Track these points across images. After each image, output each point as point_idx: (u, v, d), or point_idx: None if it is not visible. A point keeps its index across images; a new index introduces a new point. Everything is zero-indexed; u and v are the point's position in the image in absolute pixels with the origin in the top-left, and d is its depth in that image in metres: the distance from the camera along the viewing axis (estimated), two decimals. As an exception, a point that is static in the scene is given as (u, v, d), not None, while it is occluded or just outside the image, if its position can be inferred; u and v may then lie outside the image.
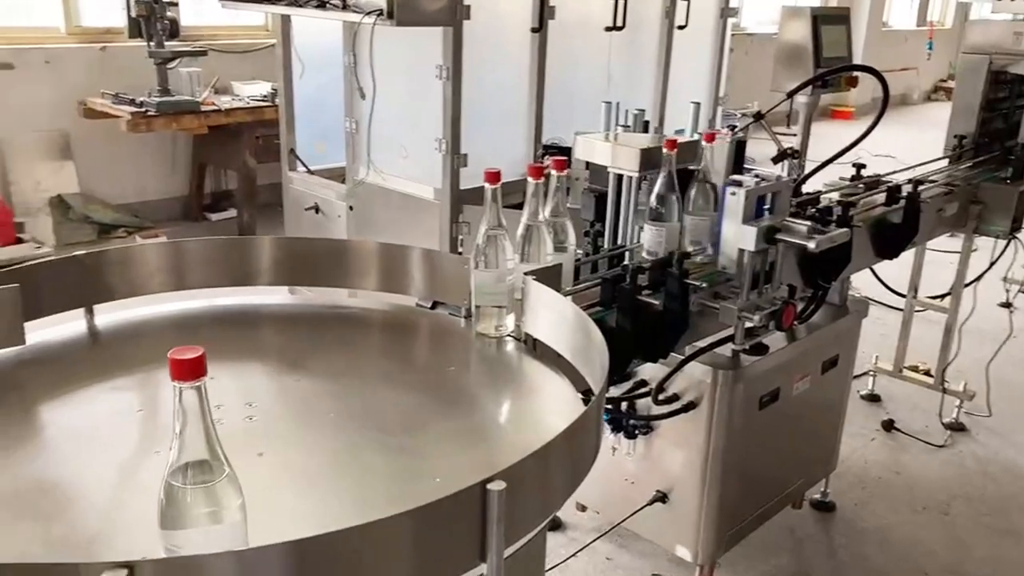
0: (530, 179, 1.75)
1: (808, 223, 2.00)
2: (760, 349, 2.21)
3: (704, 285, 1.91)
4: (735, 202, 1.97)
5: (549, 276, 1.64)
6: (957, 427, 3.50)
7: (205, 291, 1.68)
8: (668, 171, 1.97)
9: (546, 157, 2.57)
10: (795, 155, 2.30)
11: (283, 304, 1.78)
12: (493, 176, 1.55)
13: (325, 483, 1.16)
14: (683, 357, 2.13)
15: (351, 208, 3.86)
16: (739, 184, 1.98)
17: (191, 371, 0.89)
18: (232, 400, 1.32)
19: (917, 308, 3.71)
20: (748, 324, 2.00)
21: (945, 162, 3.47)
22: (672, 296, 1.83)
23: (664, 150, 1.97)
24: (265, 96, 5.50)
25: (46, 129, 5.33)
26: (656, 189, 1.97)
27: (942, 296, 3.75)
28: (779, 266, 2.08)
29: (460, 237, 3.49)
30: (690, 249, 2.01)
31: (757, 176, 2.05)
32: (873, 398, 3.71)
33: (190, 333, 1.60)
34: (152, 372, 1.43)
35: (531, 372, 1.52)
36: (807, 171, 2.57)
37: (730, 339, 2.10)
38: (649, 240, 1.99)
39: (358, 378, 1.47)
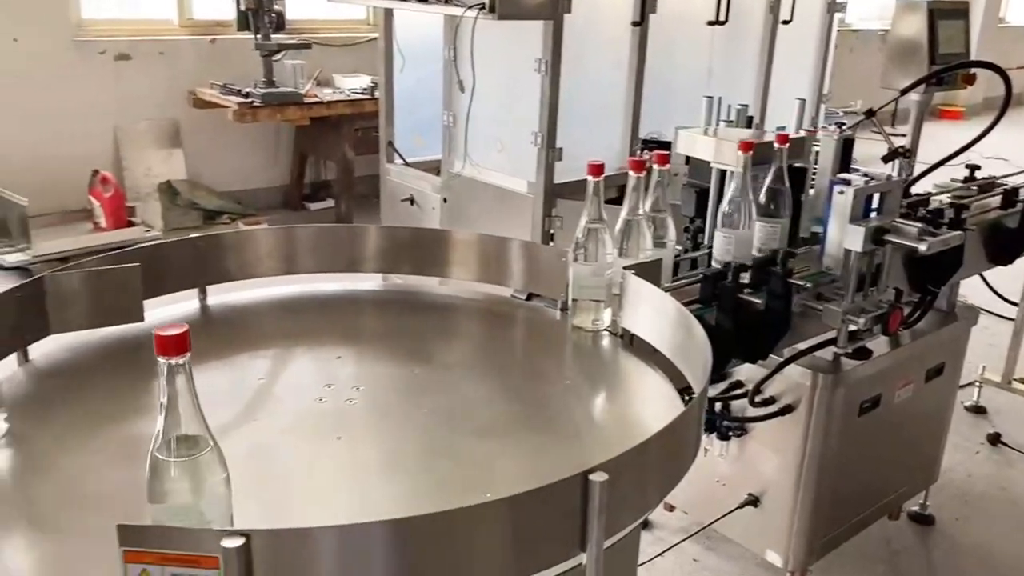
0: (631, 173, 1.74)
1: (919, 224, 1.93)
2: (863, 353, 2.14)
3: (808, 285, 1.86)
4: (843, 201, 1.91)
5: (649, 271, 1.63)
6: (1071, 444, 3.32)
7: (305, 276, 1.74)
8: (779, 166, 1.93)
9: (645, 151, 2.55)
10: (907, 154, 2.21)
11: (383, 290, 1.82)
12: (596, 169, 1.55)
13: (418, 470, 1.19)
14: (782, 359, 2.08)
15: (445, 200, 3.91)
16: (847, 183, 1.92)
17: (176, 347, 0.89)
18: (340, 382, 1.36)
19: (1029, 318, 3.54)
20: (852, 327, 1.94)
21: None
22: (775, 295, 1.79)
23: (775, 144, 1.93)
24: (365, 89, 5.61)
25: (158, 118, 5.57)
26: (767, 184, 1.93)
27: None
28: (886, 268, 2.02)
29: (552, 231, 3.49)
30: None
31: (866, 175, 1.99)
32: (979, 410, 3.55)
33: (295, 316, 1.65)
34: (261, 351, 1.48)
35: (628, 368, 1.52)
36: (918, 171, 2.47)
37: (831, 342, 2.04)
38: (762, 238, 1.96)
39: (454, 366, 1.50)
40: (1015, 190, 2.66)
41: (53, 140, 5.13)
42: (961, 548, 2.75)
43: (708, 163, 2.09)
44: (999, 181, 2.80)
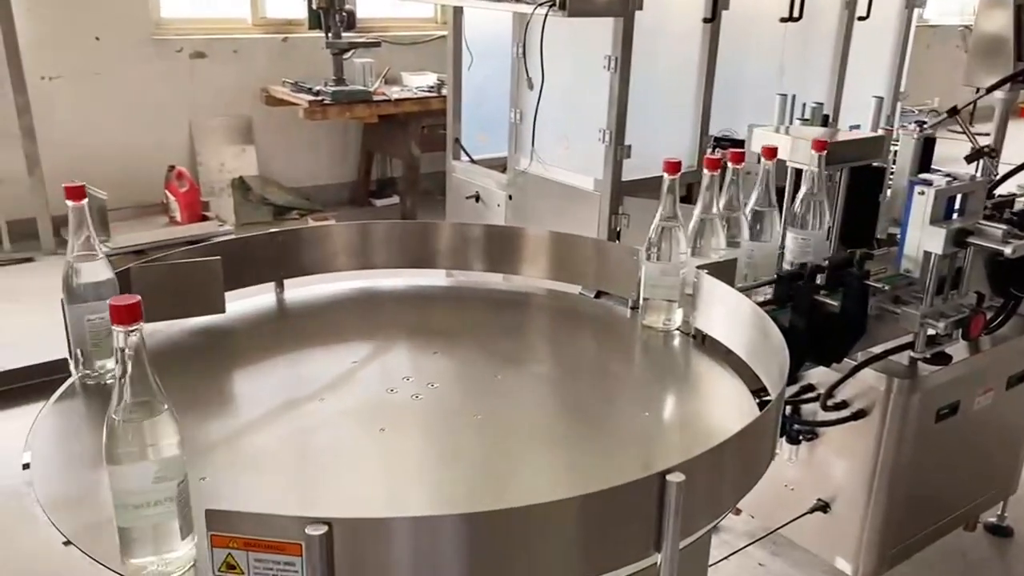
0: (706, 171, 1.72)
1: (1004, 227, 1.87)
2: (942, 358, 2.08)
3: (886, 288, 1.82)
4: (923, 202, 1.86)
5: (723, 271, 1.61)
6: None
7: (370, 272, 1.76)
8: (764, 185, 1.90)
9: (717, 149, 2.52)
10: (992, 154, 2.14)
11: (455, 286, 1.83)
12: (673, 166, 1.54)
13: (486, 467, 1.20)
14: (857, 363, 2.04)
15: (510, 197, 3.92)
16: (928, 183, 1.87)
17: (129, 316, 0.93)
18: (408, 375, 1.37)
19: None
20: (931, 331, 1.89)
21: None
22: (851, 297, 1.76)
23: (762, 158, 1.88)
24: (432, 87, 5.65)
25: (231, 114, 5.70)
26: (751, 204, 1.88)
27: None
28: (967, 272, 1.96)
29: (619, 229, 3.47)
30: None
31: (948, 175, 1.93)
32: (1061, 420, 3.41)
33: (367, 311, 1.68)
34: (335, 345, 1.51)
35: (701, 368, 1.50)
36: (1002, 172, 2.39)
37: (908, 346, 1.99)
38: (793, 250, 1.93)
39: (524, 364, 1.50)
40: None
41: (131, 136, 5.29)
42: (1040, 562, 2.66)
43: (784, 162, 2.05)
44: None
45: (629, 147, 3.38)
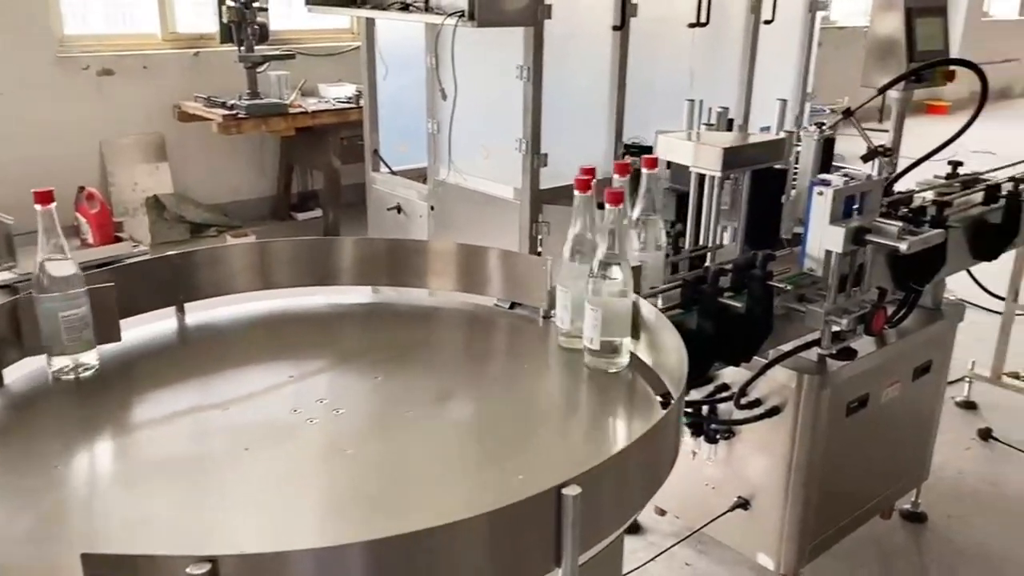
0: (616, 176, 1.73)
1: (900, 224, 1.93)
2: (848, 354, 2.13)
3: (788, 288, 1.86)
4: (822, 202, 1.90)
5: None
6: (1061, 438, 3.32)
7: (288, 291, 1.73)
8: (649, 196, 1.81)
9: (627, 156, 2.55)
10: (886, 153, 2.21)
11: (363, 303, 1.81)
12: (584, 184, 1.50)
13: (399, 483, 1.17)
14: (767, 361, 2.08)
15: (432, 208, 3.91)
16: (827, 183, 1.91)
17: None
18: (313, 398, 1.34)
19: (1017, 312, 3.54)
20: (835, 328, 1.94)
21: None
22: (755, 299, 1.79)
23: (643, 169, 1.79)
24: (350, 98, 5.60)
25: (143, 132, 5.55)
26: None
27: (1046, 299, 3.56)
28: (868, 268, 2.01)
29: (540, 236, 3.49)
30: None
31: (846, 175, 1.98)
32: (969, 405, 3.55)
33: (274, 331, 1.64)
34: (238, 370, 1.47)
35: (609, 375, 1.51)
36: (899, 170, 2.47)
37: (816, 343, 2.04)
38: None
39: (435, 378, 1.48)
40: (997, 186, 2.66)
41: (38, 157, 5.10)
42: (954, 546, 2.74)
43: (688, 167, 2.08)
44: (982, 177, 2.81)
45: (546, 156, 3.40)
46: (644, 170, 1.82)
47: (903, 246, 1.87)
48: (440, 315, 1.78)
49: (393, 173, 4.24)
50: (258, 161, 6.10)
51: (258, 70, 5.36)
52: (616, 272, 1.43)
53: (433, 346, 1.64)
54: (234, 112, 5.18)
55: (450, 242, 1.76)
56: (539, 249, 3.46)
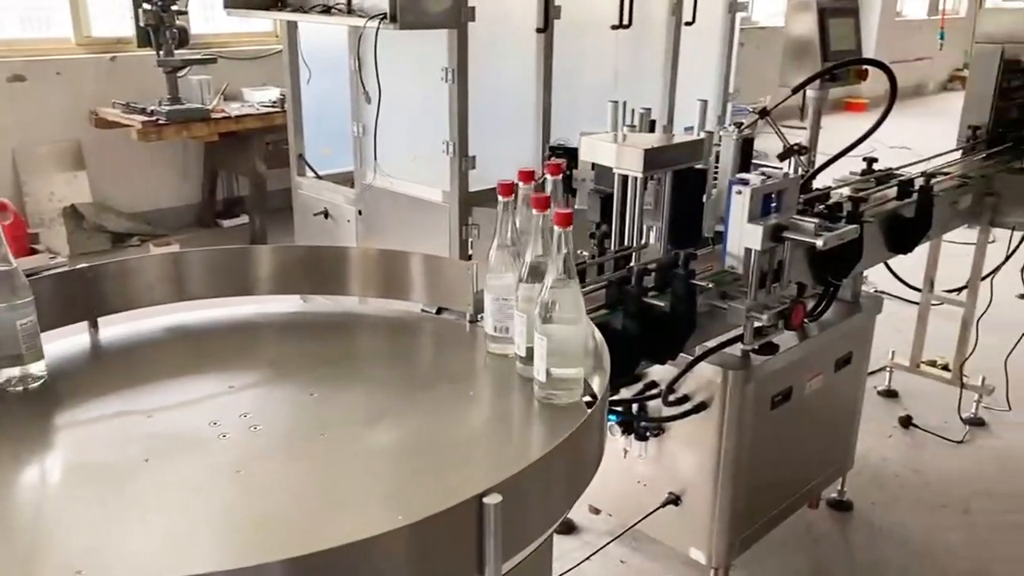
0: (521, 184, 1.72)
1: (816, 220, 1.97)
2: (770, 348, 2.18)
3: (710, 286, 1.88)
4: (741, 201, 1.94)
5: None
6: (976, 422, 3.45)
7: (214, 301, 1.68)
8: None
9: (553, 157, 2.55)
10: (802, 151, 2.26)
11: (285, 313, 1.77)
12: (507, 188, 1.51)
13: (323, 494, 1.15)
14: (692, 358, 2.10)
15: (360, 212, 3.86)
16: (745, 182, 1.95)
17: None
18: (234, 411, 1.31)
19: (934, 302, 3.67)
20: (757, 324, 1.97)
21: (959, 153, 3.43)
22: (679, 297, 1.81)
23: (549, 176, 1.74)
24: (274, 102, 5.51)
25: (59, 140, 5.37)
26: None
27: (959, 289, 3.69)
28: (788, 264, 2.05)
29: (470, 239, 3.48)
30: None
31: (764, 173, 2.02)
32: (890, 394, 3.66)
33: (193, 344, 1.60)
34: (155, 386, 1.42)
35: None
36: (816, 167, 2.54)
37: (739, 339, 2.07)
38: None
39: (360, 386, 1.46)
40: (910, 181, 2.76)
41: (-55, 167, 4.91)
42: (879, 531, 2.82)
43: (611, 168, 2.10)
44: (896, 172, 2.90)
45: (474, 158, 3.39)
46: (548, 176, 1.81)
47: (819, 242, 1.91)
48: (366, 323, 1.75)
49: (319, 177, 4.19)
50: (181, 168, 5.96)
51: (179, 75, 5.24)
52: (567, 296, 1.31)
53: (360, 357, 1.62)
54: (154, 118, 5.04)
55: (373, 248, 1.74)
56: (470, 252, 3.45)
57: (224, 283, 1.67)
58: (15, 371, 1.35)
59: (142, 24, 5.04)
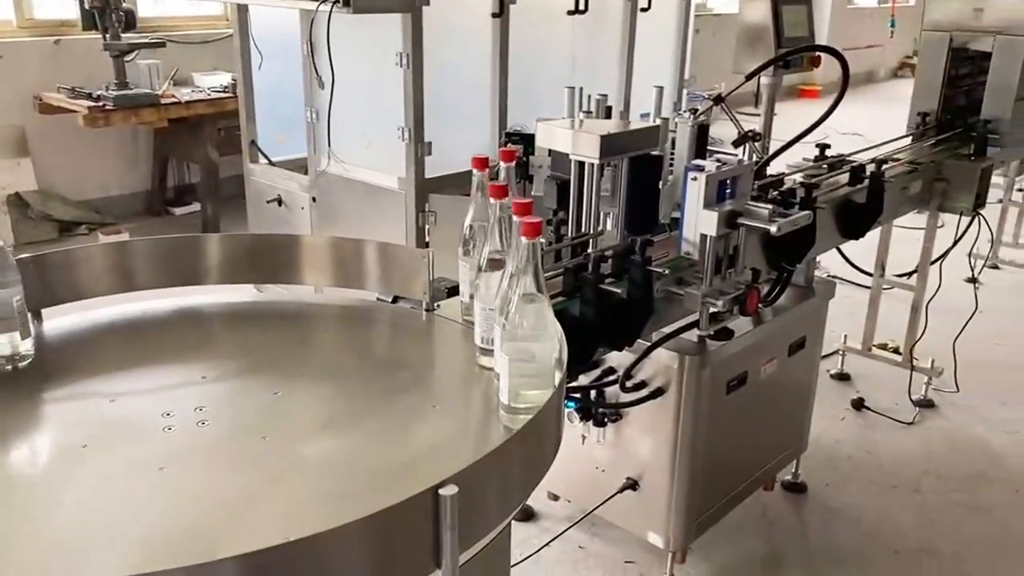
0: (475, 171, 1.70)
1: (770, 206, 1.98)
2: (725, 334, 2.20)
3: (667, 272, 1.89)
4: (696, 187, 1.94)
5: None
6: (926, 404, 3.52)
7: (162, 291, 1.65)
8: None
9: (509, 144, 2.54)
10: (756, 138, 2.28)
11: (237, 302, 1.73)
12: (480, 162, 1.50)
13: (278, 488, 1.13)
14: (649, 344, 2.11)
15: (314, 199, 3.81)
16: (700, 168, 1.95)
17: None
18: (185, 404, 1.28)
19: (885, 286, 3.73)
20: (712, 309, 1.98)
21: (909, 140, 3.48)
22: (636, 284, 1.81)
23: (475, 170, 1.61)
24: (226, 87, 5.40)
25: (1, 125, 5.21)
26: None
27: (909, 274, 3.76)
28: (742, 250, 2.07)
29: (427, 227, 3.45)
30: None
31: (718, 160, 2.03)
32: (843, 377, 3.72)
33: (142, 335, 1.56)
34: (103, 380, 1.39)
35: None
36: (770, 153, 2.56)
37: (695, 325, 2.08)
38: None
39: (316, 376, 1.44)
40: (862, 167, 2.79)
41: None
42: (833, 512, 2.87)
43: (568, 155, 2.09)
44: (848, 158, 2.93)
45: (430, 144, 3.36)
46: (502, 163, 1.79)
47: (773, 228, 1.93)
48: (320, 313, 1.72)
49: (272, 164, 4.12)
50: (130, 154, 5.82)
51: (126, 59, 5.11)
52: (535, 312, 1.22)
53: (313, 347, 1.59)
54: (101, 104, 4.91)
55: (326, 236, 1.71)
56: (427, 239, 3.42)
57: (175, 273, 1.63)
58: (7, 348, 1.35)
59: (87, 6, 4.90)
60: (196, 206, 5.81)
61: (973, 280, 4.28)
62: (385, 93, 3.34)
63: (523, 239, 1.22)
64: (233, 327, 1.64)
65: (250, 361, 1.45)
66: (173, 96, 5.22)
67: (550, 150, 2.25)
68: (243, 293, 1.82)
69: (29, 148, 5.32)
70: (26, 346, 1.38)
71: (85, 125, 4.93)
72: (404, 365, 1.50)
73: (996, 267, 5.05)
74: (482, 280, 1.42)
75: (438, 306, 1.71)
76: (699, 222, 1.94)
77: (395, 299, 1.76)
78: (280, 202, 4.01)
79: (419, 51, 3.21)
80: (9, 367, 1.36)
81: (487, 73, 3.57)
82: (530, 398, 1.22)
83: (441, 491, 0.93)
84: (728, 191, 2.01)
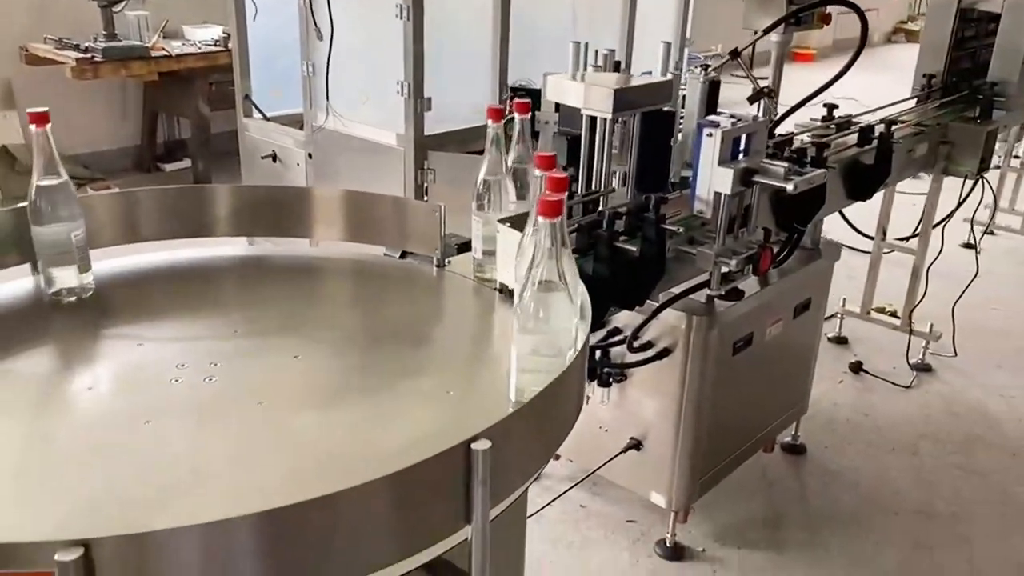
0: (490, 122, 1.66)
1: (786, 164, 1.95)
2: (735, 294, 2.17)
3: (681, 230, 1.86)
4: (711, 143, 1.91)
5: (523, 224, 1.58)
6: (923, 368, 3.53)
7: (161, 243, 1.60)
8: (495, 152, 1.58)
9: (513, 100, 2.49)
10: (771, 94, 2.23)
11: (244, 256, 1.70)
12: (497, 113, 1.46)
13: (294, 447, 1.10)
14: (658, 304, 2.09)
15: (310, 156, 3.75)
16: (716, 124, 1.91)
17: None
18: (202, 358, 1.25)
19: (885, 250, 3.72)
20: (724, 269, 1.96)
21: (913, 102, 3.44)
22: (650, 242, 1.78)
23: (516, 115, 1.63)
24: (217, 40, 5.29)
25: (-14, 76, 5.09)
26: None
27: (908, 238, 3.75)
28: (755, 210, 2.04)
29: (426, 184, 3.40)
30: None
31: (732, 116, 1.99)
32: (841, 340, 3.72)
33: (145, 289, 1.52)
34: (103, 334, 1.35)
35: (509, 324, 1.47)
36: (780, 112, 2.51)
37: (705, 285, 2.06)
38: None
39: (327, 334, 1.41)
40: (871, 127, 2.76)
41: None
42: (831, 474, 2.88)
43: (578, 110, 2.04)
44: (855, 119, 2.90)
45: (429, 100, 3.29)
46: (516, 116, 1.75)
47: (790, 186, 1.90)
48: (327, 266, 1.69)
49: (267, 119, 4.04)
50: (119, 108, 5.71)
51: (114, 9, 4.98)
52: (556, 302, 1.10)
53: (322, 299, 1.56)
54: (89, 55, 4.80)
55: (338, 189, 1.66)
56: (425, 198, 3.37)
57: (177, 225, 1.59)
58: (72, 281, 1.40)
59: (74, -46, 4.76)
60: (186, 162, 5.72)
61: (973, 246, 4.27)
62: (384, 46, 3.26)
63: (541, 219, 1.08)
64: (233, 282, 1.60)
65: (278, 320, 1.41)
66: (163, 49, 5.11)
67: (557, 105, 2.20)
68: (234, 247, 1.77)
69: (15, 101, 5.20)
70: (87, 279, 1.43)
71: (73, 77, 4.81)
72: (418, 321, 1.47)
73: (992, 232, 5.05)
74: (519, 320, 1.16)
75: (449, 262, 1.67)
76: (713, 179, 1.91)
77: (403, 254, 1.73)
78: (275, 158, 3.94)
79: (420, 3, 3.13)
80: (72, 299, 1.40)
81: (487, 28, 3.49)
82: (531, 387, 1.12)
83: (473, 445, 0.91)
84: (742, 148, 1.97)
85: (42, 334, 1.33)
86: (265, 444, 1.09)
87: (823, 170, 2.03)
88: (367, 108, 3.47)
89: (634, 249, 1.75)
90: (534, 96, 2.32)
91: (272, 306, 1.46)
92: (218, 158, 5.37)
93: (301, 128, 3.76)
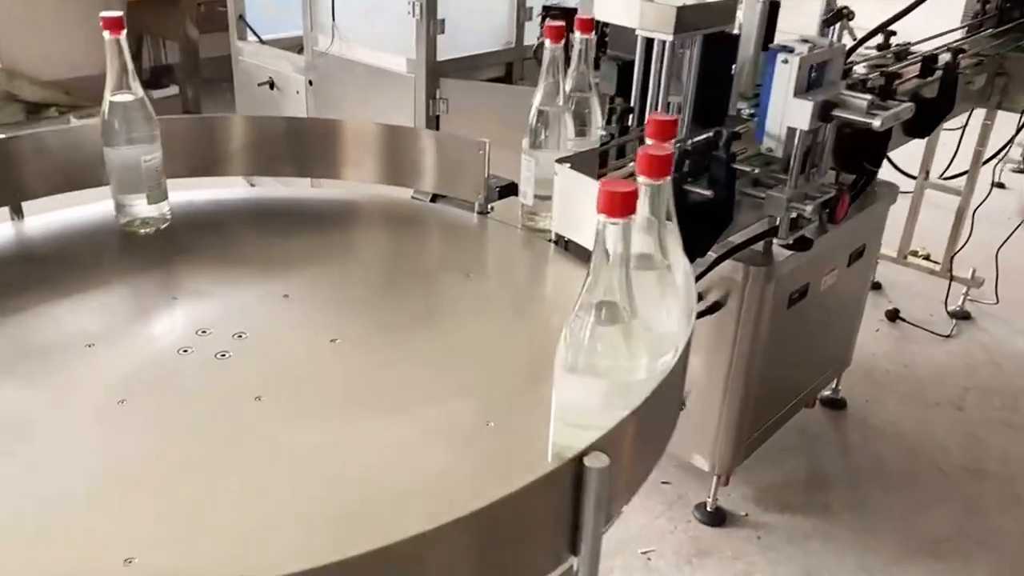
0: (548, 43, 1.42)
1: (869, 97, 1.72)
2: (804, 243, 1.95)
3: (756, 171, 1.63)
4: (786, 72, 1.67)
5: (586, 164, 1.36)
6: (962, 316, 3.34)
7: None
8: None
9: (549, 20, 2.23)
10: (850, 16, 1.98)
11: (259, 198, 1.47)
12: (557, 31, 1.24)
13: (333, 434, 0.89)
14: (717, 255, 1.87)
15: (311, 83, 3.47)
16: (790, 50, 1.67)
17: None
18: (227, 327, 1.03)
19: (928, 187, 3.49)
20: (795, 215, 1.74)
21: (962, 32, 3.18)
22: (720, 184, 1.56)
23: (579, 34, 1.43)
24: (205, -44, 4.93)
25: (-44, -6, 4.74)
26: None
27: (950, 176, 3.52)
28: (827, 149, 1.81)
29: (438, 115, 3.14)
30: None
31: (806, 41, 1.75)
32: (875, 286, 3.52)
33: (142, 236, 1.29)
34: (95, 288, 1.13)
35: (571, 282, 1.25)
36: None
37: (770, 233, 1.84)
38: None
39: (361, 291, 1.19)
40: (934, 57, 2.51)
41: None
42: (873, 429, 2.72)
43: (632, 31, 1.79)
44: (912, 49, 2.64)
45: (443, 21, 3.01)
46: (579, 34, 1.50)
47: (876, 122, 1.66)
48: (353, 211, 1.46)
49: (263, 43, 3.75)
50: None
51: (93, -80, 4.61)
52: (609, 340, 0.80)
53: (349, 249, 1.34)
54: (67, -30, 4.45)
55: (369, 123, 1.42)
56: (438, 130, 3.12)
57: (180, 162, 1.35)
58: (153, 211, 1.29)
59: None
60: (174, 89, 5.40)
61: (1002, 185, 4.04)
62: (394, -38, 2.97)
63: (602, 217, 0.77)
64: (249, 229, 1.37)
65: (274, 270, 1.19)
66: (147, -35, 4.76)
67: (603, 27, 1.95)
68: (236, 189, 1.54)
69: (-11, 20, 4.86)
70: (163, 209, 1.31)
71: (51, -5, 4.48)
72: (464, 275, 1.25)
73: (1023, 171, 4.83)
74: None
75: (492, 208, 1.45)
76: (787, 113, 1.68)
77: (433, 198, 1.50)
78: (272, 85, 3.66)
79: (435, -88, 2.83)
80: (149, 230, 1.29)
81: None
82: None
83: (587, 461, 0.70)
84: (816, 78, 1.73)
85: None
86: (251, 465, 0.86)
87: (910, 103, 1.80)
88: (374, 31, 3.19)
89: (708, 192, 1.53)
90: (570, 16, 2.06)
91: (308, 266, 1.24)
92: (208, 85, 5.06)
93: (300, 52, 3.48)
